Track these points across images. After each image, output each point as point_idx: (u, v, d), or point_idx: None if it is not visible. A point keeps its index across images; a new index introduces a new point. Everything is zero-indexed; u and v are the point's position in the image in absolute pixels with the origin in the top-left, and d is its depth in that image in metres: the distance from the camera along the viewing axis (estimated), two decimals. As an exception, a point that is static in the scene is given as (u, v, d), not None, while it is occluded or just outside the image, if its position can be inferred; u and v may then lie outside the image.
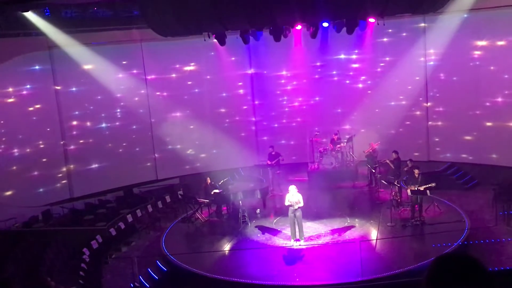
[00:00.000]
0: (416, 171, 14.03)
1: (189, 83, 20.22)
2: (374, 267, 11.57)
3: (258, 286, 11.32)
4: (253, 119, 21.27)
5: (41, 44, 17.48)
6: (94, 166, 19.16)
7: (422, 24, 18.46)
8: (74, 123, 18.81)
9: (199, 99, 20.20)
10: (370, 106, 19.78)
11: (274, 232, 14.30)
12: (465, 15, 16.96)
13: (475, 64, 17.68)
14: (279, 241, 13.68)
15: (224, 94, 20.73)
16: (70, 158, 18.77)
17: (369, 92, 19.98)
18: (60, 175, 18.58)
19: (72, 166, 18.80)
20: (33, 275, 11.93)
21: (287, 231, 13.67)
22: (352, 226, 14.22)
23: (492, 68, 17.31)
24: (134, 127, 19.76)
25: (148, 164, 20.01)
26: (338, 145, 18.78)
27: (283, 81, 21.01)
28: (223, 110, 20.72)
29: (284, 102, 21.18)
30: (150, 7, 13.46)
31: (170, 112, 19.81)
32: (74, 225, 16.07)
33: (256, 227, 14.84)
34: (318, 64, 20.58)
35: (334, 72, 20.46)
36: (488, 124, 17.65)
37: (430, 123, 19.18)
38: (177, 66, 20.00)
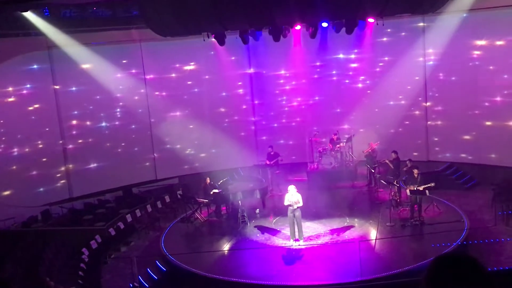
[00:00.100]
0: (416, 171, 14.03)
1: (189, 83, 20.22)
2: (373, 267, 11.57)
3: (257, 286, 11.32)
4: (253, 118, 21.27)
5: (40, 44, 17.48)
6: (93, 166, 19.15)
7: (421, 24, 18.46)
8: (73, 122, 18.81)
9: (198, 98, 20.20)
10: (369, 106, 19.78)
11: (274, 232, 14.30)
12: (464, 15, 16.97)
13: (474, 64, 17.69)
14: (278, 241, 13.68)
15: (223, 94, 20.73)
16: (69, 158, 18.76)
17: (368, 92, 19.98)
18: (59, 175, 18.58)
19: (71, 166, 18.79)
20: (32, 275, 11.92)
21: (287, 231, 13.67)
22: (352, 226, 14.23)
23: (491, 68, 17.33)
24: (133, 126, 19.76)
25: (147, 164, 20.01)
26: (338, 145, 18.78)
27: (282, 81, 21.02)
28: (222, 109, 20.72)
29: (284, 102, 21.19)
30: (149, 7, 13.45)
31: (169, 112, 19.82)
32: (73, 225, 16.06)
33: (255, 227, 14.84)
34: (317, 64, 20.58)
35: (334, 72, 20.46)
36: (487, 123, 17.66)
37: (429, 123, 19.19)
38: (177, 66, 20.00)
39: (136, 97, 19.48)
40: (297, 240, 13.12)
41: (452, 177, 17.97)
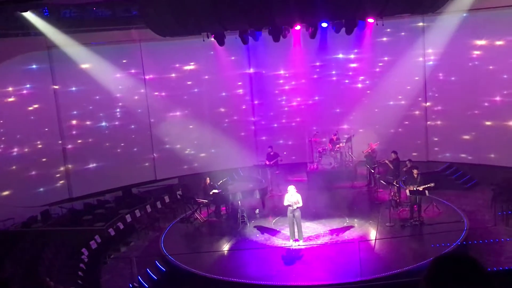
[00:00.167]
0: (415, 171, 14.03)
1: (188, 83, 20.21)
2: (373, 267, 11.57)
3: (257, 286, 11.32)
4: (252, 119, 21.27)
5: (40, 44, 17.48)
6: (93, 166, 19.15)
7: (421, 24, 18.47)
8: (73, 122, 18.81)
9: (198, 99, 20.19)
10: (369, 106, 19.78)
11: (273, 232, 14.29)
12: (464, 15, 16.97)
13: (474, 64, 17.69)
14: (278, 241, 13.67)
15: (223, 94, 20.72)
16: (69, 158, 18.76)
17: (368, 92, 19.98)
18: (59, 175, 18.57)
19: (70, 166, 18.79)
20: (32, 275, 11.91)
21: (286, 231, 13.66)
22: (351, 226, 14.22)
23: (491, 67, 17.33)
24: (133, 127, 19.76)
25: (147, 164, 20.00)
26: (337, 145, 18.79)
27: (282, 81, 21.02)
28: (222, 110, 20.71)
29: (283, 102, 21.18)
30: (149, 7, 13.44)
31: (169, 112, 19.81)
32: (73, 225, 16.05)
33: (255, 227, 14.84)
34: (317, 64, 20.58)
35: (333, 72, 20.46)
36: (487, 123, 17.66)
37: (429, 123, 19.19)
38: (176, 66, 19.99)
39: (136, 97, 19.48)
40: (296, 240, 13.12)
41: (451, 177, 17.97)
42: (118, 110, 19.38)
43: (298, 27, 15.84)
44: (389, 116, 19.17)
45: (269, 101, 20.99)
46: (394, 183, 14.95)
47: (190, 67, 20.20)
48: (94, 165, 19.15)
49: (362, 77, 20.20)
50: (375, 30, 17.73)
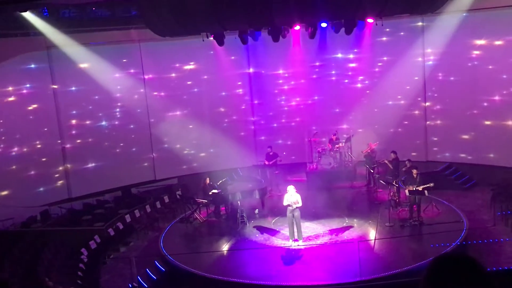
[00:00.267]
0: (415, 171, 14.04)
1: (188, 82, 20.20)
2: (373, 267, 11.58)
3: (256, 286, 11.32)
4: (252, 118, 21.26)
5: (39, 44, 17.46)
6: (92, 166, 19.13)
7: (421, 24, 18.47)
8: (72, 122, 18.79)
9: (197, 98, 20.18)
10: (368, 106, 19.78)
11: (273, 232, 14.29)
12: (464, 15, 16.98)
13: (473, 64, 17.70)
14: (277, 241, 13.67)
15: (222, 94, 20.71)
16: (68, 158, 18.74)
17: (367, 92, 19.97)
18: (58, 175, 18.56)
19: (70, 166, 18.77)
20: (31, 275, 11.91)
21: (286, 231, 13.65)
22: (351, 226, 14.23)
23: (490, 67, 17.34)
24: (132, 126, 19.74)
25: (146, 164, 19.99)
26: (337, 145, 18.78)
27: (281, 81, 21.01)
28: (221, 109, 20.70)
29: (283, 102, 21.18)
30: (148, 7, 13.44)
31: (168, 111, 19.79)
32: (72, 225, 16.04)
33: (254, 227, 14.83)
34: (316, 64, 20.57)
35: (333, 72, 20.46)
36: (487, 123, 17.67)
37: (428, 122, 19.19)
38: (176, 65, 19.97)
39: (135, 97, 19.47)
40: (296, 240, 13.11)
41: (451, 177, 17.97)
42: (117, 110, 19.36)
43: (297, 27, 15.82)
44: (388, 116, 19.17)
45: (269, 101, 20.99)
46: (394, 183, 14.96)
47: (190, 67, 20.20)
48: (94, 165, 19.14)
49: (361, 77, 20.20)
50: (374, 30, 17.72)
